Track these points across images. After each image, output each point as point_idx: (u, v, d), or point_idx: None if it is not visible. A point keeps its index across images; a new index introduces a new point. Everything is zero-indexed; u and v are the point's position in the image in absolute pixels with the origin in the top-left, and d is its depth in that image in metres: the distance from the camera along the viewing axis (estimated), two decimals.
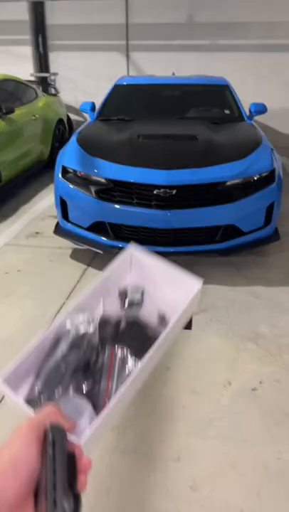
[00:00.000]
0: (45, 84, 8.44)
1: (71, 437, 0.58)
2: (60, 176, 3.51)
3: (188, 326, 2.79)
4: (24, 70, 8.21)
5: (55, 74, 8.60)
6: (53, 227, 3.75)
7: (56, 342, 0.78)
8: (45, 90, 8.05)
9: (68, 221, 3.53)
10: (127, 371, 0.73)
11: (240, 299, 3.13)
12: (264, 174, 3.35)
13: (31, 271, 3.55)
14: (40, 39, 8.47)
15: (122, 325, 0.86)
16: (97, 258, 3.60)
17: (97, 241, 3.37)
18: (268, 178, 3.37)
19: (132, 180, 3.19)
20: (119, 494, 1.77)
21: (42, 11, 8.27)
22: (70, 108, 7.86)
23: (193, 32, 7.87)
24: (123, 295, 0.96)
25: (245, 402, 2.21)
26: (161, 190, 3.11)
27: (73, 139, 3.91)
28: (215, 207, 3.17)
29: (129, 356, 0.76)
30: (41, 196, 5.32)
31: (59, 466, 0.52)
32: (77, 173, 3.42)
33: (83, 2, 7.35)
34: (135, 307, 0.94)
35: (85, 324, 0.81)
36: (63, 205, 3.53)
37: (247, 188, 3.29)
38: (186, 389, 2.29)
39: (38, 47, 8.53)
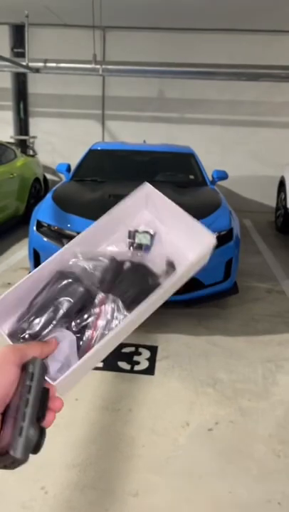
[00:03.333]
0: (24, 146, 8.94)
1: (48, 376, 0.60)
2: (34, 229, 3.74)
3: (151, 371, 2.94)
4: (5, 132, 8.73)
5: (33, 137, 9.13)
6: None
7: (54, 276, 0.74)
8: (24, 151, 8.51)
9: None
10: (114, 323, 0.70)
11: (200, 347, 3.33)
12: (223, 232, 3.68)
13: None
14: (21, 105, 9.07)
15: (125, 266, 0.80)
16: None
17: None
18: (226, 237, 3.69)
19: None
20: None
21: (25, 80, 8.94)
22: (47, 168, 8.29)
23: (164, 105, 8.64)
24: (132, 235, 0.87)
25: (201, 442, 2.34)
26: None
27: (49, 196, 4.20)
28: None
29: (121, 307, 0.71)
30: (15, 249, 5.51)
31: (32, 398, 0.53)
32: (51, 227, 3.66)
33: (64, 75, 8.02)
34: (143, 249, 0.85)
35: (86, 261, 0.76)
36: (36, 257, 3.72)
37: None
38: (146, 429, 2.40)
39: (19, 112, 9.11)
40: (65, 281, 0.72)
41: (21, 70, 7.68)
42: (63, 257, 0.76)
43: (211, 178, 5.21)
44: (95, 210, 3.76)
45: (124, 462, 2.17)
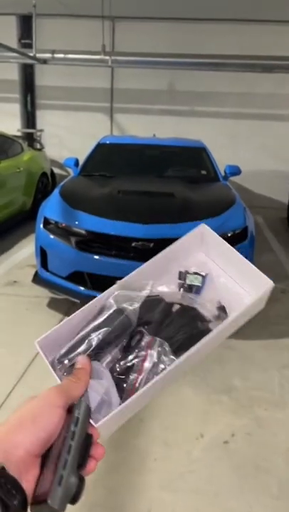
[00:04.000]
0: (31, 139, 8.79)
1: (92, 419, 0.58)
2: (41, 226, 3.61)
3: None
4: (12, 125, 8.57)
5: (41, 130, 8.98)
6: (31, 276, 3.79)
7: (97, 313, 0.74)
8: (31, 145, 8.37)
9: (47, 270, 3.59)
10: (160, 367, 0.67)
11: (214, 351, 3.17)
12: (237, 231, 3.53)
13: (6, 319, 3.54)
14: (28, 98, 8.91)
15: (174, 308, 0.78)
16: (74, 307, 3.63)
17: (75, 290, 3.42)
18: (241, 235, 3.54)
19: (111, 233, 3.32)
20: None
21: (32, 72, 8.78)
22: (54, 162, 8.15)
23: (174, 98, 8.45)
24: (183, 276, 0.85)
25: (216, 455, 2.21)
26: (140, 243, 3.23)
27: (56, 191, 4.07)
28: None
29: (168, 351, 0.69)
30: (21, 246, 5.39)
31: (76, 445, 0.52)
32: (59, 224, 3.53)
33: (71, 67, 7.86)
34: (194, 291, 0.83)
35: (129, 300, 0.74)
36: (43, 255, 3.60)
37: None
38: (158, 441, 2.28)
39: (26, 105, 8.96)
40: (106, 313, 0.72)
41: (29, 61, 7.53)
42: (113, 291, 0.76)
43: (223, 174, 5.05)
44: (103, 207, 3.67)
45: (136, 478, 2.05)
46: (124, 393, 0.66)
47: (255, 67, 7.20)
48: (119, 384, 0.67)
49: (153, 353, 0.68)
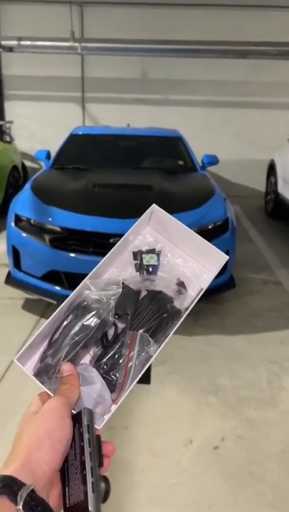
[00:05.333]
0: None
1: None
2: (12, 224, 3.40)
3: (147, 380, 2.67)
4: None
5: (10, 122, 8.63)
6: (3, 277, 3.58)
7: (70, 311, 0.73)
8: (0, 138, 8.04)
9: (20, 270, 3.39)
10: (143, 356, 0.70)
11: (198, 348, 3.07)
12: (218, 223, 3.41)
13: None
14: None
15: (142, 295, 0.79)
16: (51, 308, 3.45)
17: (51, 291, 3.24)
18: (222, 227, 3.43)
19: (88, 229, 3.15)
20: None
21: None
22: (25, 155, 7.85)
23: (147, 87, 8.24)
24: (138, 255, 0.85)
25: (207, 462, 2.09)
26: (118, 238, 3.06)
27: (27, 186, 3.85)
28: None
29: (147, 339, 0.71)
30: None
31: (93, 450, 0.54)
32: (31, 221, 3.33)
33: (40, 55, 7.54)
34: (151, 270, 0.83)
35: (99, 291, 0.74)
36: (15, 254, 3.40)
37: (202, 236, 3.32)
38: (145, 450, 2.15)
39: None
40: (80, 314, 0.72)
41: None
42: (80, 292, 0.75)
43: (200, 163, 4.91)
44: (78, 202, 3.48)
45: (122, 493, 1.91)
46: (114, 388, 0.68)
47: (228, 54, 7.08)
48: (106, 380, 0.69)
49: (136, 346, 0.70)
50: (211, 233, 3.36)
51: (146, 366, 0.70)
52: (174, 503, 1.88)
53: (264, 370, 2.84)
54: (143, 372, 0.69)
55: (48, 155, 4.88)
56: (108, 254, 0.79)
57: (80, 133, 5.33)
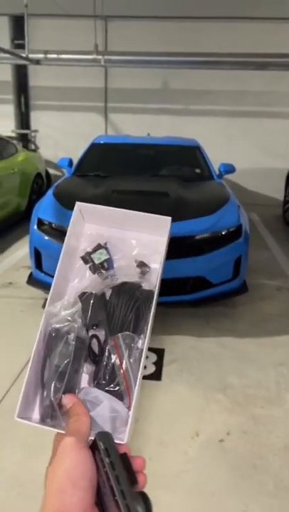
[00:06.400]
0: (25, 140, 8.78)
1: (116, 439, 0.58)
2: (35, 227, 3.60)
3: (158, 376, 2.81)
4: (6, 126, 8.54)
5: (35, 131, 8.95)
6: (26, 278, 3.78)
7: (47, 343, 0.72)
8: (26, 146, 8.35)
9: (42, 271, 3.58)
10: (134, 351, 0.69)
11: (209, 349, 3.18)
12: (231, 229, 3.53)
13: (1, 321, 3.53)
14: (22, 99, 8.89)
15: (107, 294, 0.76)
16: None
17: None
18: (235, 233, 3.54)
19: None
20: None
21: (25, 73, 8.76)
22: (49, 163, 8.12)
23: (168, 97, 8.43)
24: (87, 258, 0.81)
25: (212, 454, 2.21)
26: None
27: (50, 192, 4.05)
28: (185, 259, 3.30)
29: (131, 336, 0.70)
30: (16, 247, 5.37)
31: (119, 471, 0.51)
32: (52, 224, 3.52)
33: (65, 67, 7.83)
34: (108, 265, 0.80)
35: (65, 310, 0.73)
36: (37, 256, 3.59)
37: (215, 242, 3.44)
38: (153, 441, 2.27)
39: (20, 106, 8.94)
40: (55, 344, 0.70)
41: (21, 61, 7.50)
42: (47, 321, 0.73)
43: (217, 172, 5.04)
44: None
45: None
46: (123, 397, 0.67)
47: (248, 65, 7.19)
48: (111, 393, 0.68)
49: (123, 350, 0.69)
50: (224, 239, 3.48)
51: (143, 359, 0.69)
52: (179, 489, 1.99)
53: (272, 372, 2.93)
54: (142, 365, 0.68)
55: (71, 163, 5.09)
56: (56, 271, 0.77)
57: (101, 142, 5.54)
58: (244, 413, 2.51)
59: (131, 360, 0.68)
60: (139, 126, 7.99)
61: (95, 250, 0.81)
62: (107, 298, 0.76)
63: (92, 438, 0.56)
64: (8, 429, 2.28)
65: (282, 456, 2.20)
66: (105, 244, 0.82)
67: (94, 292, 0.76)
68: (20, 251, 5.18)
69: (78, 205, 0.83)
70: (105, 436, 0.55)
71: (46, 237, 3.50)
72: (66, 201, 3.75)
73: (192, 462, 2.15)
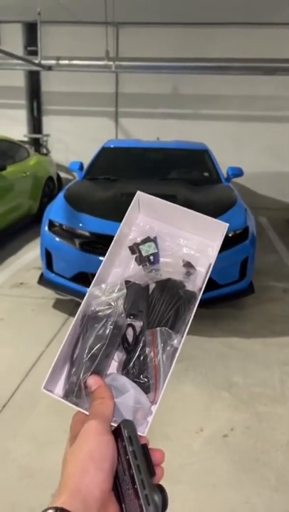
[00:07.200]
0: (37, 144, 8.94)
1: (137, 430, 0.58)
2: (46, 228, 3.70)
3: None
4: (18, 131, 8.72)
5: (47, 135, 9.11)
6: (37, 278, 3.88)
7: (83, 324, 0.72)
8: (38, 150, 8.51)
9: (52, 272, 3.68)
10: (169, 348, 0.69)
11: (215, 349, 3.24)
12: (238, 231, 3.59)
13: (13, 319, 3.63)
14: (34, 104, 9.07)
15: (151, 288, 0.76)
16: (78, 308, 3.70)
17: (79, 291, 3.50)
18: (242, 235, 3.60)
19: (114, 234, 3.39)
20: None
21: (38, 78, 8.93)
22: (60, 167, 8.26)
23: (177, 102, 8.53)
24: (135, 249, 0.81)
25: (216, 448, 2.26)
26: None
27: (61, 195, 4.16)
28: None
29: (168, 333, 0.69)
30: (28, 248, 5.49)
31: (141, 462, 0.52)
32: (63, 226, 3.62)
33: (76, 73, 7.97)
34: (153, 259, 0.80)
35: (107, 296, 0.73)
36: (48, 257, 3.69)
37: (222, 244, 3.50)
38: (159, 435, 2.34)
39: (32, 111, 9.11)
40: (92, 325, 0.70)
41: (34, 68, 7.65)
42: (89, 302, 0.74)
43: (225, 175, 5.11)
44: (107, 209, 3.74)
45: None
46: (149, 390, 0.67)
47: (257, 70, 7.25)
48: (138, 384, 0.68)
49: (158, 344, 0.69)
50: (230, 240, 3.54)
51: (176, 358, 0.68)
52: (183, 480, 2.06)
53: (277, 371, 2.98)
54: (173, 365, 0.68)
55: (81, 166, 5.20)
56: (106, 255, 0.77)
57: (112, 146, 5.64)
58: (248, 410, 2.57)
59: (164, 356, 0.68)
60: (148, 131, 8.09)
61: (144, 242, 0.81)
62: (150, 291, 0.75)
63: (114, 424, 0.57)
64: (19, 423, 2.36)
65: (285, 451, 2.25)
66: (155, 238, 0.81)
67: (138, 284, 0.76)
68: (32, 252, 5.29)
69: (138, 194, 0.82)
70: (130, 425, 0.55)
71: (57, 239, 3.59)
72: (76, 204, 3.85)
73: (196, 455, 2.21)
